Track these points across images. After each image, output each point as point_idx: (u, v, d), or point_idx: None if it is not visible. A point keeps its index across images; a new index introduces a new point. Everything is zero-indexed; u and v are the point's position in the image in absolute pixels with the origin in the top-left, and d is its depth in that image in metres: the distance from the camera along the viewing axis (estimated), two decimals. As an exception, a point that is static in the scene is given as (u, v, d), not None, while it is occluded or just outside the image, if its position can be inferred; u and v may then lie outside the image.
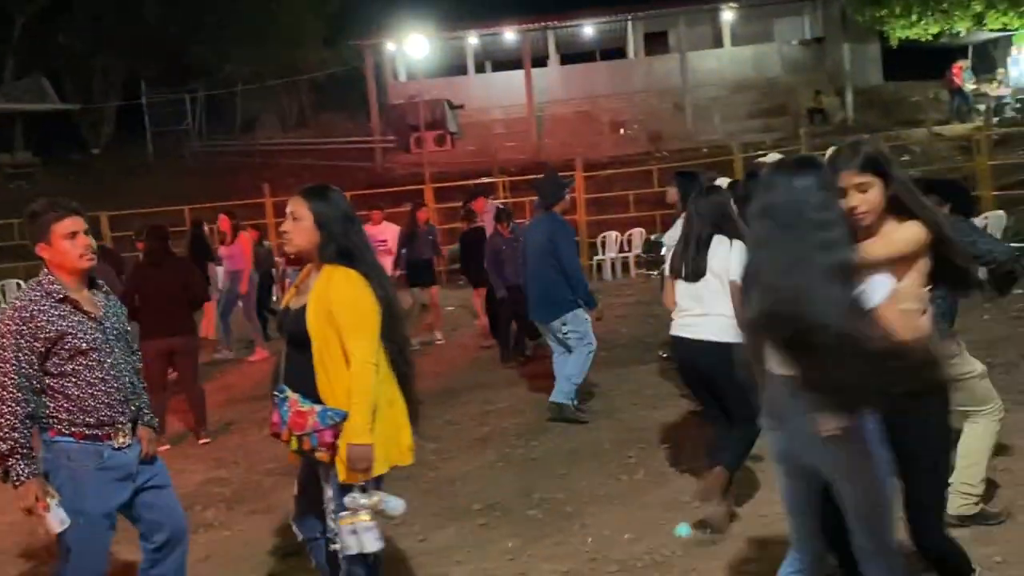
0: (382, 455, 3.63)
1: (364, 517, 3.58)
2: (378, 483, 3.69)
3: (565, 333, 7.49)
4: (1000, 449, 5.79)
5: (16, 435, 3.49)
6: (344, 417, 3.55)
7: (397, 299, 3.85)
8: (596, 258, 17.68)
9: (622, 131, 29.29)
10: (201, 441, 7.87)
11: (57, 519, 3.54)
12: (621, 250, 18.13)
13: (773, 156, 7.32)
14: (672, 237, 6.70)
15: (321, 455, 3.60)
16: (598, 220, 18.23)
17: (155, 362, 7.38)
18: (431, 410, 8.37)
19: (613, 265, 17.99)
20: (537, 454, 6.76)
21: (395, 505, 3.66)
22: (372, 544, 3.62)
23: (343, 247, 3.67)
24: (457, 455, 6.93)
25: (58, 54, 30.60)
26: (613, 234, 18.17)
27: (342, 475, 3.59)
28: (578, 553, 4.87)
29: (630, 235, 17.95)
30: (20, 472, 3.50)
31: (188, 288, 7.85)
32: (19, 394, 3.51)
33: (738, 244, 4.91)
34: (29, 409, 3.54)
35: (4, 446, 3.49)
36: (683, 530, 4.86)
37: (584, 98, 29.90)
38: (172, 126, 32.23)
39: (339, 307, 3.58)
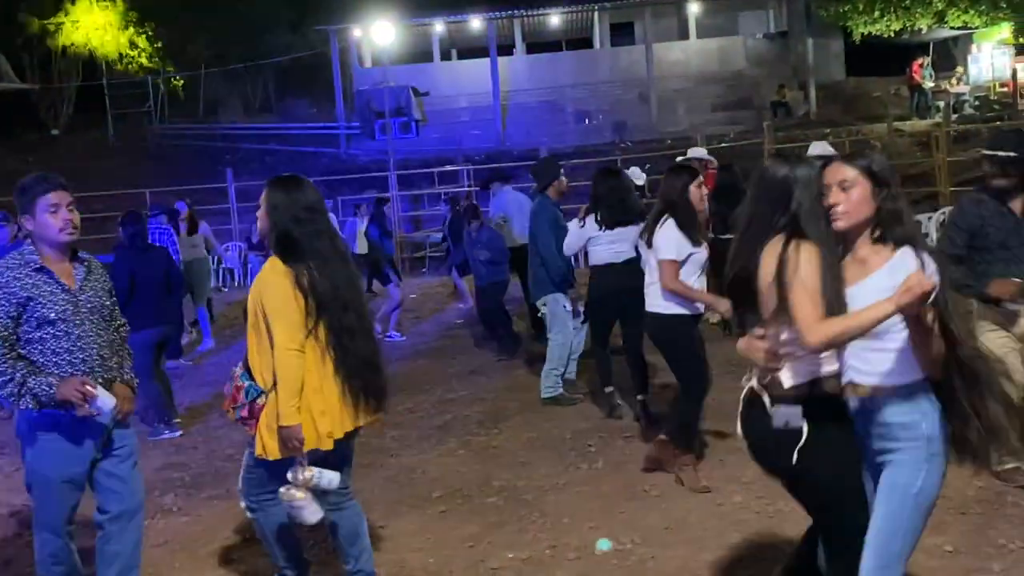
0: (318, 431, 3.83)
1: (299, 494, 3.80)
2: (312, 461, 3.86)
3: (542, 314, 7.81)
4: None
5: (15, 375, 3.69)
6: (260, 393, 3.82)
7: (349, 289, 3.94)
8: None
9: (587, 121, 29.32)
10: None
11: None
12: (585, 240, 18.16)
13: (815, 146, 7.42)
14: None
15: (247, 428, 3.90)
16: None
17: (147, 352, 7.31)
18: (392, 398, 8.37)
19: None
20: (498, 442, 6.79)
21: (329, 479, 3.86)
22: (309, 518, 3.86)
23: (284, 237, 3.85)
24: (418, 443, 6.94)
25: (17, 33, 30.06)
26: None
27: (257, 449, 3.85)
28: (537, 541, 4.90)
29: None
30: (41, 385, 3.68)
31: (168, 276, 7.83)
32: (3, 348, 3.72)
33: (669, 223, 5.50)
34: (12, 354, 3.72)
35: (10, 388, 3.68)
36: (604, 544, 4.71)
37: (550, 87, 29.87)
38: (134, 109, 31.81)
39: (264, 295, 3.82)
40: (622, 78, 30.21)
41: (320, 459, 3.86)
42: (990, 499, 4.88)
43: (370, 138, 28.16)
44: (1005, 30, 24.47)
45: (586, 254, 7.37)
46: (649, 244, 5.65)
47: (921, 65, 26.24)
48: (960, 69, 27.56)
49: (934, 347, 2.83)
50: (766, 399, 3.02)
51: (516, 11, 30.15)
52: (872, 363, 2.94)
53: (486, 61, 29.43)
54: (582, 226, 7.06)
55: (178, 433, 7.60)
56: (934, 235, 13.50)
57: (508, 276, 10.21)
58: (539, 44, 32.85)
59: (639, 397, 6.89)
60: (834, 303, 2.87)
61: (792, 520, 4.84)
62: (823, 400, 2.97)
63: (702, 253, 5.59)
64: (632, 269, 6.47)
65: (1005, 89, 26.64)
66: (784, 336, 2.96)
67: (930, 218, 14.12)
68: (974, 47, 28.32)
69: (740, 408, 3.19)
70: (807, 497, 3.14)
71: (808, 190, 3.03)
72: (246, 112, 32.78)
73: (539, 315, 8.01)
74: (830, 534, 3.14)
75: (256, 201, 4.06)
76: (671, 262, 5.47)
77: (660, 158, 17.99)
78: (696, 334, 5.77)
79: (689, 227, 5.53)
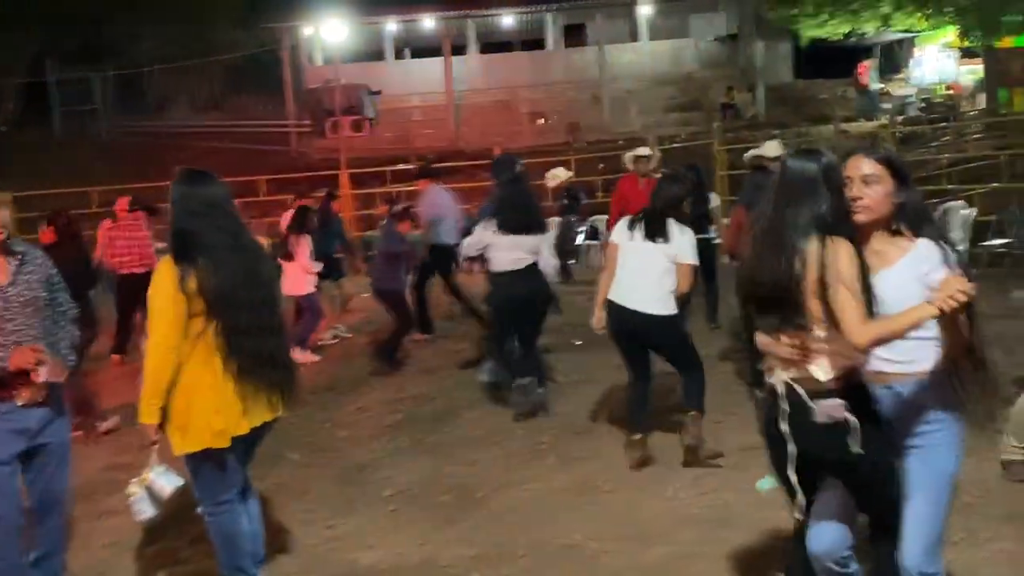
0: (194, 436, 3.85)
1: (134, 489, 3.98)
2: (194, 461, 3.92)
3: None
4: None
5: None
6: None
7: (248, 287, 3.91)
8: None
9: (540, 121, 29.38)
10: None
11: None
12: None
13: (769, 146, 7.59)
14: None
15: None
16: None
17: None
18: (342, 398, 8.34)
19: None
20: (449, 440, 6.76)
21: (164, 483, 3.96)
22: (139, 515, 4.07)
23: (178, 233, 3.89)
24: (368, 442, 6.89)
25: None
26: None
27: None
28: (488, 537, 4.89)
29: (548, 223, 18.02)
30: None
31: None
32: None
33: None
34: None
35: None
36: (765, 484, 4.75)
37: (503, 88, 29.90)
38: (80, 105, 31.26)
39: (150, 293, 3.88)
40: (575, 79, 30.34)
41: (218, 456, 3.90)
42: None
43: (321, 136, 27.96)
44: (949, 33, 24.92)
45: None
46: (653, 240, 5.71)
47: (868, 67, 26.67)
48: (906, 72, 28.06)
49: (963, 337, 2.92)
50: (803, 394, 2.99)
51: (470, 11, 30.12)
52: (903, 352, 3.00)
53: (439, 60, 29.40)
54: (488, 230, 7.11)
55: None
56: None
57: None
58: (492, 44, 32.86)
59: (539, 390, 7.12)
60: (866, 297, 2.91)
61: (739, 513, 4.90)
62: (857, 389, 3.01)
63: None
64: (531, 275, 6.83)
65: (950, 91, 27.17)
66: (819, 334, 2.97)
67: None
68: (918, 50, 28.84)
69: (767, 406, 3.15)
70: (861, 483, 3.12)
71: (835, 185, 2.99)
72: (195, 109, 32.37)
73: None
74: (884, 514, 3.16)
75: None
76: (694, 267, 5.74)
77: (613, 158, 18.05)
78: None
79: None
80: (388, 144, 26.70)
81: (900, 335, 2.86)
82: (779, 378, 3.05)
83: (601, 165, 18.03)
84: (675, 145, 21.83)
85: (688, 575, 4.27)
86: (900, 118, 24.41)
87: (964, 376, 3.01)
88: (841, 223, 2.95)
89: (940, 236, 3.06)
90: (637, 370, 5.93)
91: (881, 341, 2.87)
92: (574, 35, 32.85)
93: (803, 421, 3.00)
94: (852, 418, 2.95)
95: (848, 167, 3.02)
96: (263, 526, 4.31)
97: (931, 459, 3.06)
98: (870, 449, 2.97)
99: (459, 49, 31.09)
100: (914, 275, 2.93)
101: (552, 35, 32.81)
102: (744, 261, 3.17)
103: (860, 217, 2.99)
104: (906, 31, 25.31)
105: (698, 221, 9.95)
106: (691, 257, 5.71)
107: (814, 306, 2.92)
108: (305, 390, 8.48)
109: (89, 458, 6.91)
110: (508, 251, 6.95)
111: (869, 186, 2.99)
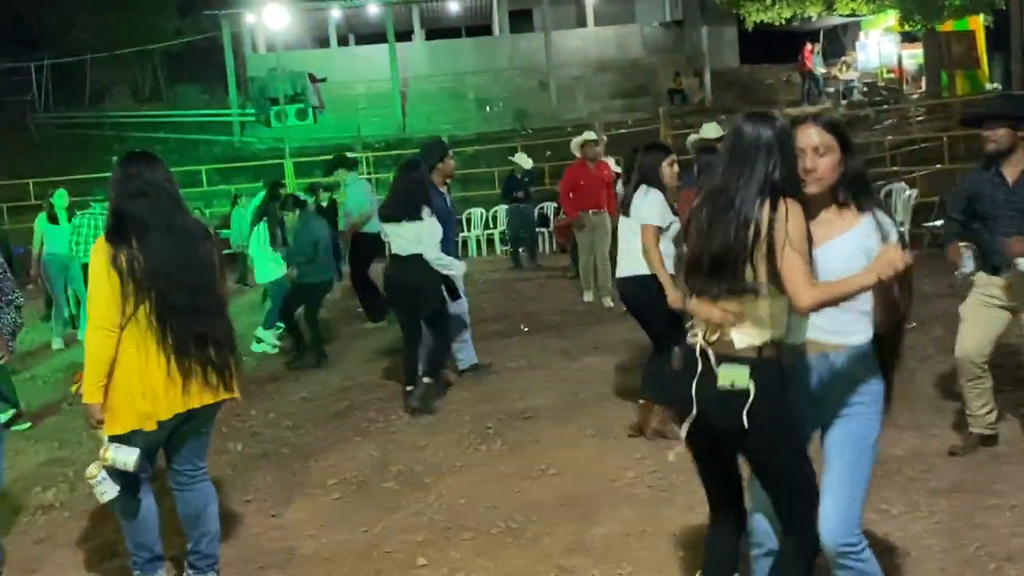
0: (121, 418, 3.86)
1: (94, 471, 3.91)
2: (126, 440, 3.87)
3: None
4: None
5: None
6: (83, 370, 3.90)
7: (183, 268, 3.88)
8: (461, 235, 17.65)
9: (487, 108, 29.29)
10: None
11: None
12: (486, 227, 18.19)
13: (708, 128, 7.62)
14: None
15: None
16: (464, 197, 18.21)
17: None
18: (287, 387, 8.24)
19: (479, 242, 18.03)
20: (395, 428, 6.71)
21: (124, 456, 3.86)
22: (104, 496, 3.94)
23: (114, 215, 3.90)
24: (313, 430, 6.82)
25: None
26: (478, 211, 18.21)
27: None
28: (433, 523, 4.85)
29: (495, 212, 18.01)
30: None
31: None
32: None
33: None
34: None
35: None
36: None
37: (450, 74, 29.77)
38: (16, 96, 30.54)
39: (89, 275, 3.91)
40: (522, 65, 30.28)
41: (154, 439, 3.91)
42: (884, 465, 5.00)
43: (265, 125, 27.64)
44: (891, 17, 25.23)
45: None
46: (626, 213, 5.91)
47: (812, 52, 26.93)
48: (850, 56, 28.39)
49: (900, 309, 3.00)
50: (712, 357, 2.94)
51: (415, -3, 29.93)
52: (839, 323, 3.02)
53: (384, 47, 29.14)
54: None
55: None
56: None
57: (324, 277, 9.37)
58: (438, 30, 32.68)
59: (425, 380, 7.00)
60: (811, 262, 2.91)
61: (683, 493, 4.91)
62: (770, 362, 2.93)
63: (678, 224, 5.81)
64: (412, 264, 6.81)
65: (892, 75, 27.54)
66: (755, 300, 2.92)
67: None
68: (862, 34, 29.20)
69: (679, 365, 3.05)
70: (754, 458, 3.06)
71: (788, 149, 2.94)
72: (135, 99, 31.80)
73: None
74: (780, 494, 3.08)
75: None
76: (655, 227, 5.72)
77: (561, 144, 18.06)
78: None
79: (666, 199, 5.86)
80: (334, 132, 26.46)
81: (841, 300, 2.84)
82: (699, 340, 2.99)
83: (548, 152, 18.03)
84: (622, 131, 21.91)
85: (629, 552, 4.27)
86: (844, 102, 24.72)
87: (892, 349, 3.09)
88: (791, 186, 2.91)
89: (879, 205, 3.09)
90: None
91: (823, 304, 2.84)
92: (520, 21, 32.78)
93: (707, 385, 2.94)
94: (751, 387, 2.89)
95: (799, 137, 2.99)
96: (213, 528, 4.16)
97: (853, 427, 3.07)
98: (763, 423, 2.90)
99: (404, 36, 30.88)
100: (860, 247, 2.94)
101: (498, 21, 32.72)
102: (691, 228, 3.08)
103: (812, 189, 2.97)
104: (850, 15, 25.57)
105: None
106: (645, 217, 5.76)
107: (761, 269, 2.87)
108: (249, 380, 8.51)
109: (27, 452, 6.78)
110: (394, 239, 7.00)
111: (821, 157, 2.98)
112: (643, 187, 5.85)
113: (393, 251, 7.04)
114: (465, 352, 7.94)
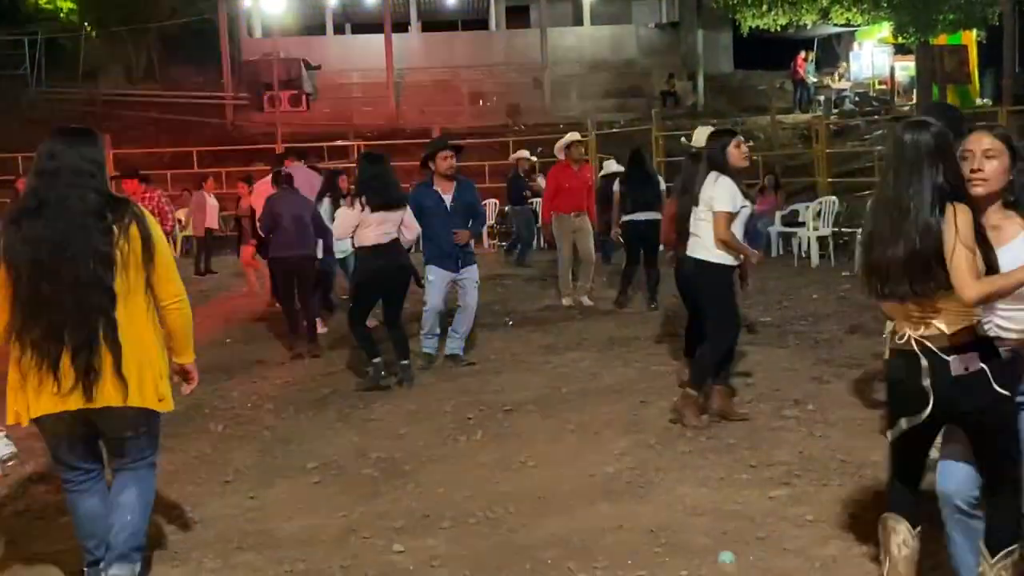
0: (9, 410, 3.67)
1: None
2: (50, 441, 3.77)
3: (476, 282, 8.21)
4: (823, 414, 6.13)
5: None
6: None
7: (60, 259, 3.51)
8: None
9: (481, 103, 29.27)
10: None
11: None
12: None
13: (703, 130, 7.76)
14: None
15: None
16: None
17: None
18: (270, 371, 8.26)
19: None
20: (377, 415, 6.73)
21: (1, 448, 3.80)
22: None
23: (28, 193, 3.64)
24: (295, 415, 6.83)
25: None
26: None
27: None
28: (411, 511, 4.88)
29: (485, 205, 17.99)
30: None
31: None
32: None
33: None
34: None
35: None
36: (726, 557, 4.14)
37: (444, 67, 29.70)
38: (8, 71, 30.31)
39: None
40: (517, 61, 30.24)
41: (63, 436, 3.72)
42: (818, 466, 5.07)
43: (258, 110, 27.54)
44: (885, 29, 25.32)
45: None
46: (696, 201, 6.06)
47: (805, 60, 27.02)
48: (843, 65, 28.49)
49: None
50: (937, 351, 3.15)
51: (412, -12, 29.85)
52: (1017, 321, 3.28)
53: (380, 37, 29.05)
54: (355, 209, 7.25)
55: None
56: (811, 224, 13.95)
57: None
58: (434, 22, 32.62)
59: (403, 362, 7.45)
60: (989, 261, 3.11)
61: (661, 490, 4.97)
62: (983, 342, 3.19)
63: (749, 208, 6.00)
64: (397, 249, 7.23)
65: (884, 87, 27.66)
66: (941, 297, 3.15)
67: (807, 207, 14.55)
68: (856, 45, 29.30)
69: (898, 367, 3.27)
70: (989, 430, 3.23)
71: (948, 153, 3.14)
72: (129, 78, 31.59)
73: None
74: (1002, 461, 3.26)
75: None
76: (727, 214, 5.84)
77: (553, 141, 18.08)
78: (732, 282, 6.12)
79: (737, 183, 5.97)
80: (326, 120, 26.39)
81: (1008, 291, 3.09)
82: (911, 337, 3.19)
83: (540, 149, 18.03)
84: (614, 131, 21.95)
85: (603, 546, 4.30)
86: (835, 111, 24.82)
87: None
88: (958, 189, 3.11)
89: None
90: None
91: (991, 296, 3.08)
92: (517, 17, 32.76)
93: (943, 375, 3.14)
94: (985, 366, 3.13)
95: (970, 141, 3.22)
96: (124, 518, 3.79)
97: None
98: (999, 396, 3.14)
99: (401, 26, 30.80)
100: None
101: (495, 16, 32.69)
102: (867, 233, 3.28)
103: (978, 190, 3.17)
104: (845, 25, 25.65)
105: (647, 204, 10.09)
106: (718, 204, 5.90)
107: (943, 270, 3.08)
108: (234, 363, 8.53)
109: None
110: (377, 227, 7.19)
111: (989, 160, 3.18)
112: (712, 174, 5.95)
113: (369, 241, 7.27)
114: (454, 341, 8.13)
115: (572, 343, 8.78)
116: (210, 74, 29.82)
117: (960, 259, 3.02)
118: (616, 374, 7.53)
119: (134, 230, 3.61)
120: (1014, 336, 3.33)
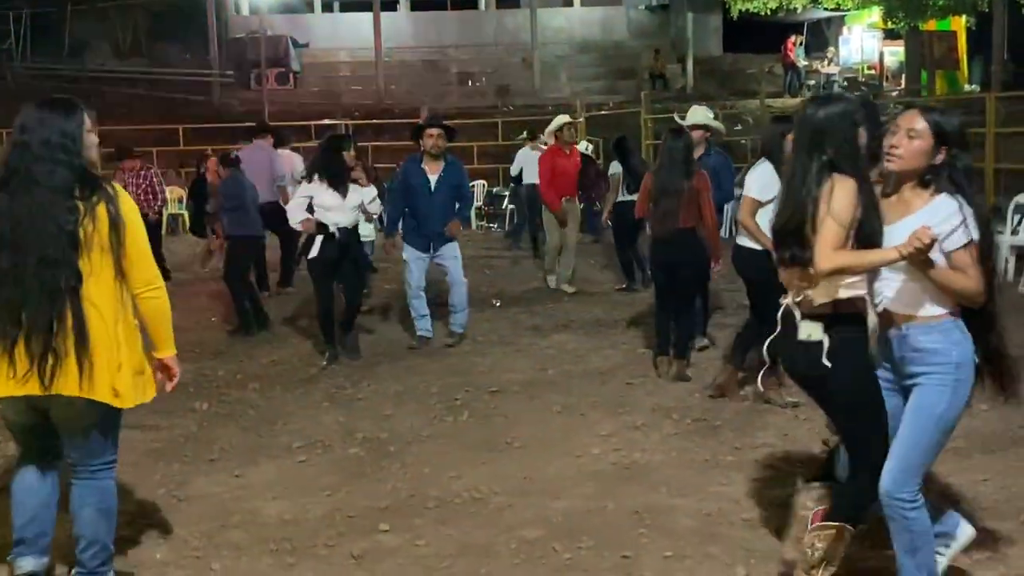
0: None
1: None
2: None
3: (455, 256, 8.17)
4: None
5: None
6: None
7: (23, 232, 3.36)
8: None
9: (470, 83, 29.16)
10: None
11: None
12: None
13: (699, 110, 7.71)
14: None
15: None
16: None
17: None
18: (256, 350, 8.23)
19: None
20: (364, 395, 6.73)
21: None
22: None
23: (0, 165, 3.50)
24: (281, 395, 6.82)
25: None
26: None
27: None
28: (397, 490, 4.88)
29: (473, 187, 17.95)
30: None
31: None
32: None
33: None
34: None
35: None
36: None
37: (433, 47, 29.58)
38: (-8, 45, 30.03)
39: None
40: (506, 41, 30.14)
41: (16, 417, 3.57)
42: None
43: (245, 88, 27.38)
44: (875, 14, 25.35)
45: None
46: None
47: (795, 44, 27.01)
48: (832, 50, 28.49)
49: (958, 288, 3.15)
50: (797, 315, 3.31)
51: (401, -34, 29.67)
52: (902, 295, 3.25)
53: (368, 15, 28.86)
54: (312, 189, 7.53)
55: None
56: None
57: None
58: (423, 2, 32.43)
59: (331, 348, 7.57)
60: (874, 234, 3.18)
61: (646, 471, 4.98)
62: (845, 317, 3.24)
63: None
64: (352, 232, 7.48)
65: (872, 72, 27.69)
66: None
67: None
68: (845, 29, 29.30)
69: (778, 326, 3.45)
70: (831, 400, 3.41)
71: (842, 129, 3.24)
72: (115, 54, 31.33)
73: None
74: (852, 435, 3.41)
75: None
76: (752, 200, 5.91)
77: (541, 123, 18.03)
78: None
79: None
80: (313, 99, 26.26)
81: (860, 271, 3.17)
82: (787, 300, 3.37)
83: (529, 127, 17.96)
84: (603, 112, 21.90)
85: (588, 527, 4.32)
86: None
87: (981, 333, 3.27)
88: (848, 163, 3.20)
89: (966, 197, 3.19)
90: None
91: (842, 271, 3.15)
92: (507, -3, 32.64)
93: (789, 338, 3.35)
94: (826, 337, 3.23)
95: (902, 116, 3.25)
96: (87, 534, 3.64)
97: (921, 397, 3.24)
98: (840, 367, 3.22)
99: (389, 5, 30.60)
100: (929, 225, 3.07)
101: (485, -4, 32.54)
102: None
103: (890, 164, 3.24)
104: (835, 9, 25.65)
105: (629, 187, 10.07)
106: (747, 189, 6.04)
107: (814, 239, 3.18)
108: (220, 341, 8.50)
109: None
110: (333, 209, 7.37)
111: (911, 140, 3.19)
112: (760, 160, 6.08)
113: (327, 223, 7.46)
114: (453, 317, 8.22)
115: (559, 325, 8.79)
116: (197, 51, 29.61)
117: (824, 230, 3.14)
118: (603, 356, 7.54)
119: (102, 210, 3.42)
120: (900, 311, 3.26)
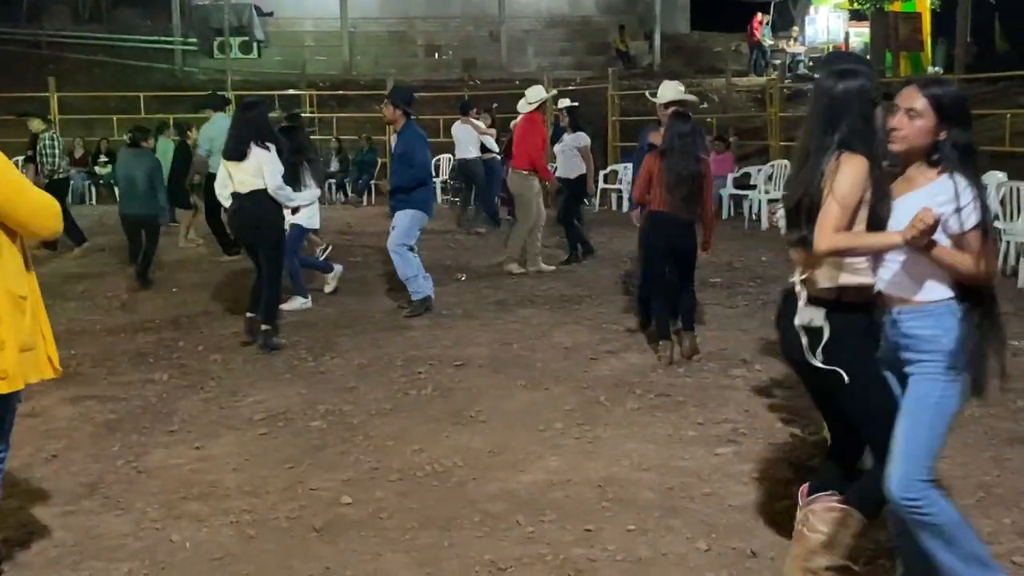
0: None
1: None
2: None
3: (394, 226, 8.29)
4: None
5: None
6: None
7: None
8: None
9: (436, 56, 28.93)
10: None
11: None
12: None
13: (670, 86, 7.69)
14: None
15: None
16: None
17: None
18: (217, 322, 8.15)
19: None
20: (327, 368, 6.69)
21: None
22: None
23: None
24: (243, 367, 6.76)
25: None
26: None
27: None
28: (359, 463, 4.86)
29: (438, 160, 17.86)
30: None
31: None
32: None
33: None
34: None
35: None
36: None
37: (399, 18, 29.26)
38: (-56, 8, 29.31)
39: None
40: (473, 14, 29.86)
41: None
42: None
43: (208, 56, 26.95)
44: (841, -6, 25.45)
45: None
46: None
47: (761, 23, 27.06)
48: (797, 29, 28.58)
49: (964, 270, 2.98)
50: (802, 297, 3.19)
51: (367, -65, 29.25)
52: (899, 277, 3.11)
53: (334, -15, 28.50)
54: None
55: None
56: (762, 187, 14.05)
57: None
58: (390, -28, 32.04)
59: (263, 327, 7.19)
60: (879, 215, 3.08)
61: (609, 446, 5.00)
62: (849, 306, 3.14)
63: None
64: (257, 198, 7.13)
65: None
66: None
67: (759, 170, 14.63)
68: (812, 9, 29.38)
69: (779, 303, 3.37)
70: (832, 393, 3.24)
71: (859, 106, 3.13)
72: (74, 20, 30.70)
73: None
74: (862, 423, 3.26)
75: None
76: None
77: (508, 97, 17.93)
78: None
79: None
80: (278, 68, 25.91)
81: (860, 253, 3.07)
82: (793, 279, 3.25)
83: (495, 104, 17.86)
84: (570, 88, 21.83)
85: (551, 500, 4.32)
86: (789, 75, 24.91)
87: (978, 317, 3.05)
88: (861, 141, 3.08)
89: (968, 175, 3.04)
90: None
91: (840, 253, 3.05)
92: (474, -31, 32.31)
93: (788, 320, 3.23)
94: (825, 327, 3.12)
95: (901, 96, 3.11)
96: None
97: (915, 388, 3.09)
98: (839, 359, 3.11)
99: (356, -25, 30.23)
100: (929, 205, 2.94)
101: (452, -33, 32.21)
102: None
103: (894, 145, 3.12)
104: (801, -12, 25.76)
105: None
106: None
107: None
108: (182, 312, 8.41)
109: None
110: (235, 176, 7.28)
111: (912, 120, 3.06)
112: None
113: (234, 189, 7.29)
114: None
115: (524, 300, 8.78)
116: (159, 18, 29.07)
117: (826, 209, 3.04)
118: (567, 331, 7.55)
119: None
120: (895, 294, 3.13)
